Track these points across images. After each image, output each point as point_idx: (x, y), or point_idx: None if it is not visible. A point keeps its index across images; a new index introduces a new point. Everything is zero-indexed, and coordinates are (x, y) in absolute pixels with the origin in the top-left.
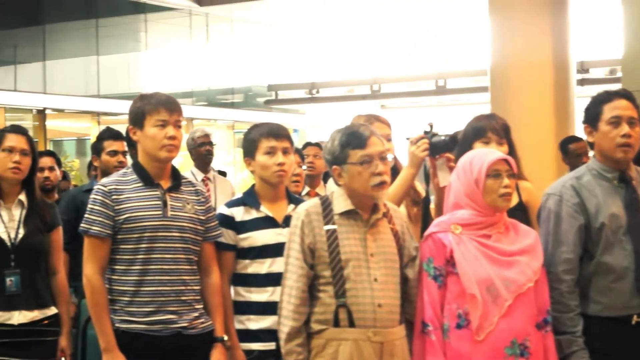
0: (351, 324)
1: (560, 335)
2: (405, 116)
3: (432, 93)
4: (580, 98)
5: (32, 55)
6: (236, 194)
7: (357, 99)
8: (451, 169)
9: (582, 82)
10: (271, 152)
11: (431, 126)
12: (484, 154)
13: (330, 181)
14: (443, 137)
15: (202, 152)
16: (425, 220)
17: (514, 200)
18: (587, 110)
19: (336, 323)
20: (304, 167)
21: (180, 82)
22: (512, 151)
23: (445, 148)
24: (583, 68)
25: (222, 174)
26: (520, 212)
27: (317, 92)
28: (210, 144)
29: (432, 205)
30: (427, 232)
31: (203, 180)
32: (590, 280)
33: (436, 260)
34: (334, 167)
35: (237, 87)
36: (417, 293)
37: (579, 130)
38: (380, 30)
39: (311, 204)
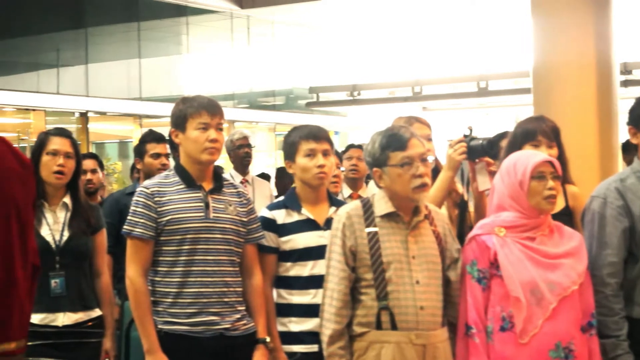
0: (393, 326)
1: (605, 338)
2: (446, 118)
3: (474, 95)
4: (624, 99)
5: (74, 58)
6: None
7: (398, 100)
8: (490, 173)
9: (625, 84)
10: (311, 154)
11: (470, 129)
12: (529, 156)
13: (372, 183)
14: (481, 141)
15: (240, 155)
16: (461, 224)
17: (560, 205)
18: (632, 112)
19: (378, 326)
20: (342, 168)
21: (221, 84)
22: (561, 154)
23: (483, 152)
24: (626, 69)
25: (266, 176)
26: (566, 217)
27: (359, 94)
28: (249, 146)
29: (471, 209)
30: (470, 235)
31: (241, 183)
32: (635, 284)
33: (480, 263)
34: (375, 169)
35: (278, 90)
36: (459, 295)
37: (622, 132)
38: (421, 32)
39: (352, 207)
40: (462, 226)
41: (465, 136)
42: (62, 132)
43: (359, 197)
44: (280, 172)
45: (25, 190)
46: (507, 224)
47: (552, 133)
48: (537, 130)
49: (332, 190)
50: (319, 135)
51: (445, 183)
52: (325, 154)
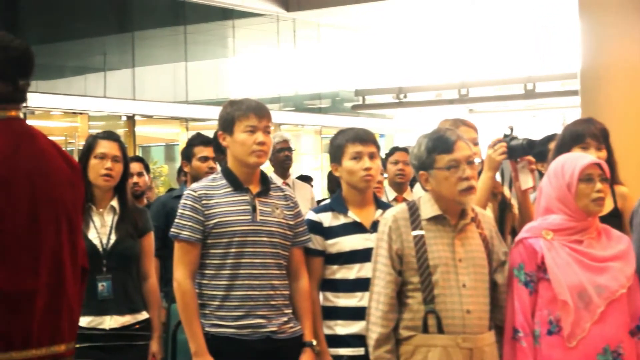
0: (440, 330)
1: None
2: (493, 120)
3: (521, 97)
4: None
5: (121, 62)
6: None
7: (444, 103)
8: (532, 171)
9: None
10: (357, 157)
11: (511, 129)
12: (576, 158)
13: (417, 186)
14: (521, 141)
15: (280, 158)
16: (501, 224)
17: (609, 207)
18: None
19: (425, 329)
20: (385, 175)
21: (267, 87)
22: (610, 156)
23: (523, 152)
24: None
25: (307, 179)
26: (615, 219)
27: (405, 96)
28: (289, 149)
29: (516, 211)
30: (517, 238)
31: None
32: None
33: (527, 266)
34: (421, 172)
35: (324, 92)
36: (506, 298)
37: None
38: (467, 34)
39: (398, 210)
40: (502, 226)
41: (505, 136)
42: (110, 136)
43: (404, 200)
44: (331, 176)
45: (74, 193)
46: (555, 227)
47: (601, 135)
48: (586, 133)
49: (378, 196)
50: (365, 138)
51: (487, 183)
52: (371, 156)
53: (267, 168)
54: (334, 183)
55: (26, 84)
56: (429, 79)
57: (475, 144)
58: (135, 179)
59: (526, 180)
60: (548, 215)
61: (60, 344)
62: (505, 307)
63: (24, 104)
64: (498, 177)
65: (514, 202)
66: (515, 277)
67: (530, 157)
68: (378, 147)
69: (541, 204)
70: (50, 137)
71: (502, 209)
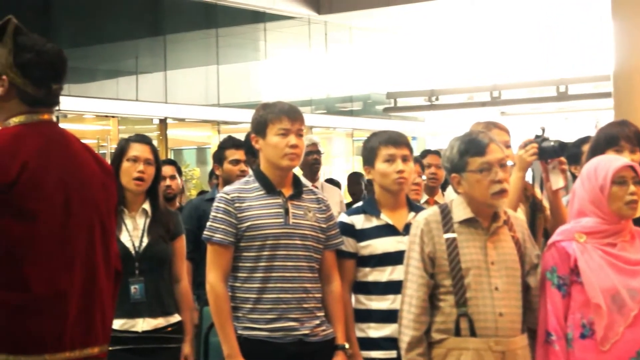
0: (472, 333)
1: None
2: (525, 123)
3: (553, 99)
4: None
5: (153, 65)
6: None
7: (476, 105)
8: (563, 171)
9: None
10: (390, 159)
11: (543, 130)
12: (609, 161)
13: (449, 189)
14: (552, 143)
15: (309, 161)
16: (532, 226)
17: None
18: None
19: (457, 332)
20: (424, 177)
21: (299, 90)
22: None
23: (554, 153)
24: None
25: (335, 182)
26: None
27: (437, 99)
28: (318, 152)
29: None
30: (550, 241)
31: None
32: None
33: (560, 269)
34: (453, 175)
35: (355, 95)
36: (539, 302)
37: None
38: (499, 36)
39: (430, 213)
40: (534, 228)
41: (536, 137)
42: (142, 139)
43: (435, 202)
44: (352, 178)
45: (107, 196)
46: (588, 230)
47: (635, 138)
48: (620, 136)
49: (413, 198)
50: (398, 140)
51: (518, 184)
52: (404, 159)
53: (296, 171)
54: (354, 185)
55: (59, 87)
56: (461, 82)
57: (508, 146)
58: (167, 182)
59: (557, 181)
60: (581, 218)
61: (93, 346)
62: (538, 310)
63: (57, 108)
64: (529, 179)
65: (546, 203)
66: (548, 280)
67: (561, 158)
68: (411, 150)
69: (574, 207)
70: (82, 140)
71: (534, 211)
